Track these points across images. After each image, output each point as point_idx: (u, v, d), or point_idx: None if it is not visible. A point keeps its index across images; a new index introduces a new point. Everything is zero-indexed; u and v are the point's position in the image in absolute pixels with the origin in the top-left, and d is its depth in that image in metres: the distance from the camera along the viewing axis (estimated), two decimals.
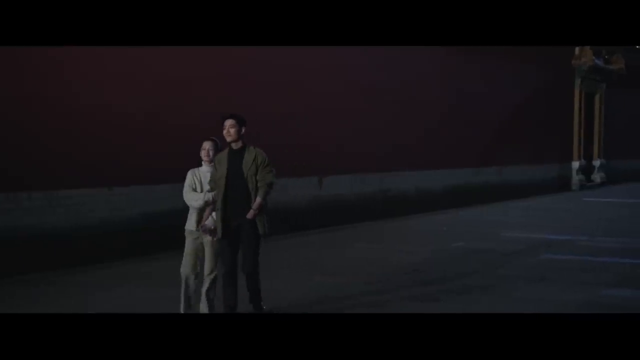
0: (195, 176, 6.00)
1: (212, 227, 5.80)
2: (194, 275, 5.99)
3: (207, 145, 6.04)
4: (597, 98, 23.83)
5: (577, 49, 21.77)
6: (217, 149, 5.99)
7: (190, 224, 5.99)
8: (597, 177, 23.76)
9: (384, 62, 13.84)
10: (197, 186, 5.97)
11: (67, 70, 8.64)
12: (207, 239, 5.88)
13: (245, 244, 5.82)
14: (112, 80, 9.12)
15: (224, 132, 5.83)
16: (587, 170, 23.14)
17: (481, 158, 17.47)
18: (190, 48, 9.24)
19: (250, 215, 5.73)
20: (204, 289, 5.98)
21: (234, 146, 5.85)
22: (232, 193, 5.76)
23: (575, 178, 22.19)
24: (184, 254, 6.04)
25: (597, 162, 23.88)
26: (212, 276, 5.98)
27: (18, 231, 8.09)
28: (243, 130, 5.87)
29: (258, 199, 5.76)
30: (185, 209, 6.10)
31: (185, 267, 5.99)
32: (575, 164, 22.21)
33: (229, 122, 5.83)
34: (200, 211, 5.92)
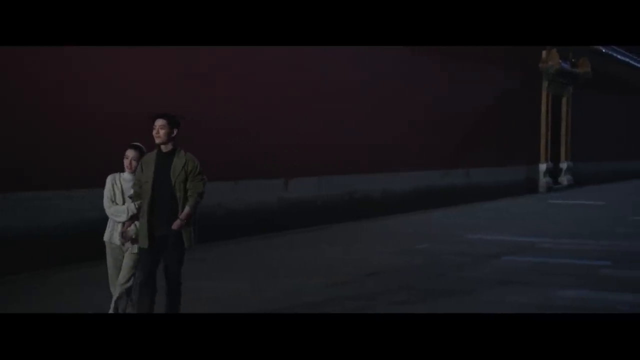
0: (116, 184, 5.51)
1: (134, 235, 5.36)
2: (125, 288, 5.51)
3: (130, 154, 5.51)
4: (564, 101, 24.08)
5: (544, 52, 21.99)
6: (141, 158, 5.43)
7: (110, 234, 5.53)
8: (564, 179, 24.00)
9: (352, 64, 13.84)
10: (118, 196, 5.47)
11: (25, 70, 8.49)
12: (127, 247, 5.45)
13: (169, 257, 5.33)
14: (76, 82, 8.99)
15: (154, 132, 5.30)
16: (554, 172, 23.36)
17: (449, 160, 17.54)
18: (152, 47, 9.15)
19: (175, 225, 5.22)
20: (114, 298, 5.51)
21: (164, 149, 5.33)
22: (158, 200, 5.27)
23: (543, 180, 22.38)
24: (108, 267, 5.57)
25: (564, 165, 24.12)
26: (126, 286, 5.51)
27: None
28: (175, 132, 5.34)
29: (187, 209, 5.26)
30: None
31: (112, 280, 5.54)
32: (543, 166, 22.41)
33: (159, 123, 5.30)
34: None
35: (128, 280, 5.51)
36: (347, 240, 11.31)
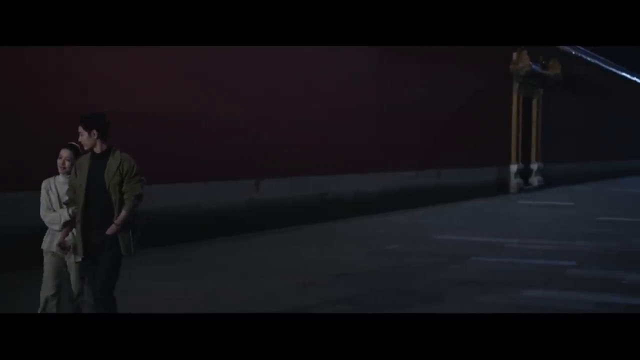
0: (51, 190, 5.20)
1: (72, 245, 5.07)
2: (55, 299, 5.22)
3: (63, 153, 5.22)
4: (534, 102, 24.32)
5: (514, 54, 22.20)
6: (77, 158, 5.15)
7: (48, 242, 5.22)
8: (534, 180, 24.24)
9: (323, 64, 13.86)
10: (54, 202, 5.17)
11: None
12: (69, 258, 5.15)
13: (100, 264, 4.97)
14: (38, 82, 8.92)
15: (79, 138, 5.04)
16: (525, 173, 23.59)
17: (420, 161, 17.63)
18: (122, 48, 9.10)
19: (110, 231, 4.91)
20: (63, 310, 5.22)
21: (96, 150, 5.01)
22: (92, 205, 4.95)
23: (513, 181, 22.59)
24: (44, 275, 5.28)
25: (534, 166, 24.37)
26: (79, 300, 5.21)
27: None
28: (96, 133, 4.98)
29: (123, 213, 4.93)
30: None
31: (45, 291, 5.22)
32: (514, 167, 22.62)
33: (79, 128, 5.01)
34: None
35: (80, 295, 5.21)
36: (318, 241, 11.32)
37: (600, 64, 32.10)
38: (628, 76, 36.90)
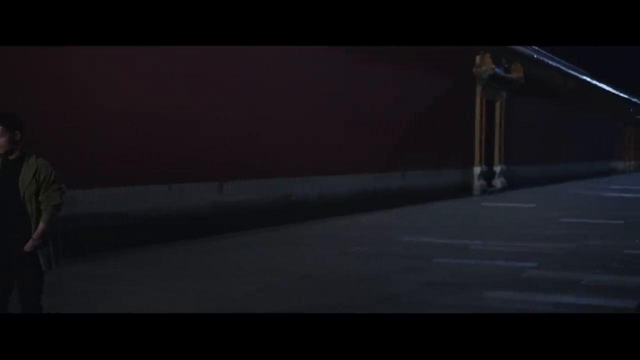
0: None
1: None
2: None
3: None
4: (497, 105, 24.59)
5: (478, 57, 22.42)
6: None
7: None
8: (497, 182, 24.50)
9: (287, 65, 13.87)
10: None
11: None
12: None
13: (23, 283, 4.63)
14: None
15: None
16: (488, 175, 23.84)
17: (385, 163, 17.73)
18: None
19: (28, 247, 4.53)
20: None
21: (10, 156, 4.60)
22: (6, 217, 4.55)
23: (477, 183, 22.81)
24: None
25: (498, 168, 24.63)
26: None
27: None
28: (19, 135, 4.61)
29: (40, 226, 4.55)
30: None
31: None
32: (477, 170, 22.84)
33: None
34: None
35: None
36: (282, 243, 11.32)
37: (562, 67, 32.60)
38: (589, 80, 37.51)
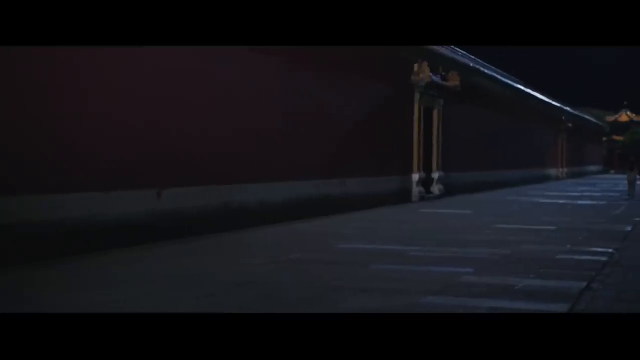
0: None
1: None
2: None
3: None
4: (435, 113, 24.97)
5: (416, 66, 22.73)
6: None
7: None
8: (435, 189, 24.86)
9: (226, 72, 13.80)
10: None
11: None
12: None
13: None
14: None
15: None
16: (426, 182, 24.16)
17: (325, 170, 17.80)
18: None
19: None
20: None
21: None
22: None
23: (415, 190, 23.10)
24: None
25: (435, 175, 24.99)
26: None
27: None
28: None
29: None
30: None
31: None
32: (416, 177, 23.13)
33: None
34: None
35: None
36: (220, 251, 11.25)
37: (498, 76, 33.32)
38: (523, 88, 38.42)
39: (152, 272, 9.14)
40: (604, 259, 10.71)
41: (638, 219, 17.66)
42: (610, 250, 11.60)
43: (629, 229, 15.36)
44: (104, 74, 10.97)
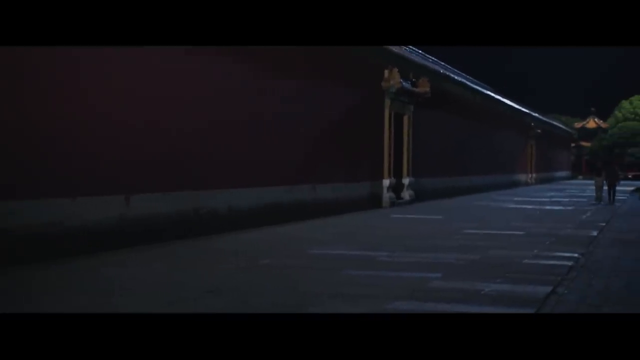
0: None
1: None
2: None
3: None
4: (405, 119, 25.13)
5: (386, 72, 22.86)
6: None
7: None
8: (406, 194, 25.00)
9: (193, 76, 13.78)
10: None
11: None
12: None
13: None
14: None
15: None
16: (397, 188, 24.29)
17: (295, 176, 17.82)
18: None
19: None
20: None
21: None
22: None
23: (386, 195, 23.21)
24: None
25: (406, 180, 25.13)
26: None
27: None
28: None
29: None
30: None
31: None
32: (386, 182, 23.24)
33: None
34: None
35: None
36: (190, 257, 11.21)
37: (467, 82, 33.63)
38: (493, 95, 38.81)
39: (120, 279, 9.09)
40: (569, 263, 10.87)
41: (604, 224, 17.95)
42: (576, 255, 11.78)
43: (595, 233, 15.59)
44: (60, 77, 10.90)
